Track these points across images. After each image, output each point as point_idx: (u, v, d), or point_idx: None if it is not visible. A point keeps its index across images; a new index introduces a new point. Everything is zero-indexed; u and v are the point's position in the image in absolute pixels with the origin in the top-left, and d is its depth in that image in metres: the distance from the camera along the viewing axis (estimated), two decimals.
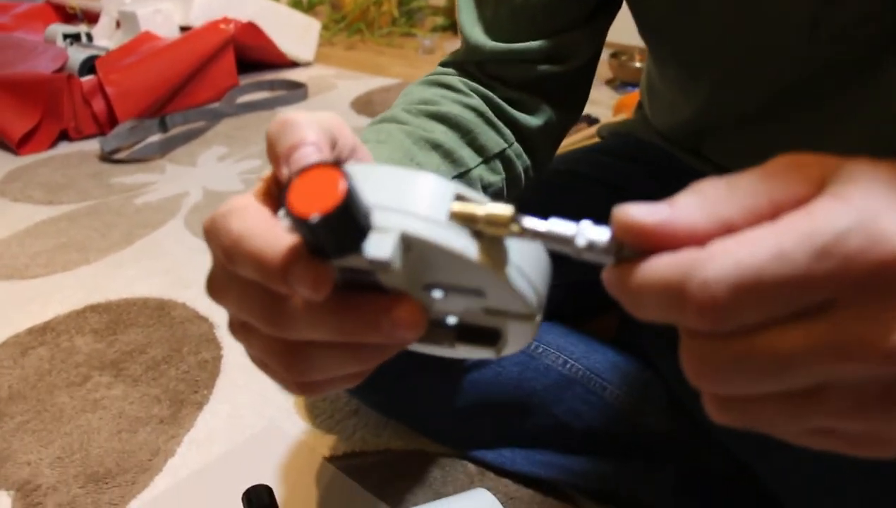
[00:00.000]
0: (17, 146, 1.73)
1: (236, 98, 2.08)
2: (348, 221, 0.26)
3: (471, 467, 0.78)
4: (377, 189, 0.29)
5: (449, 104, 0.60)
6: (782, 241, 0.23)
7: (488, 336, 0.34)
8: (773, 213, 0.25)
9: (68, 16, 2.51)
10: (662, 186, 0.78)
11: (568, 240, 0.27)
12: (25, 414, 0.88)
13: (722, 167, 0.71)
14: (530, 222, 0.28)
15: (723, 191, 0.25)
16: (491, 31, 0.62)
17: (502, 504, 0.66)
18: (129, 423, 0.86)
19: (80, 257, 1.25)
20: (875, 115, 0.56)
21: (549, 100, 0.64)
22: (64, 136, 1.82)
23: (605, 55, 2.11)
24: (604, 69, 2.17)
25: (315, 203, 0.26)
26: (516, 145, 0.63)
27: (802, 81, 0.58)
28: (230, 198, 0.33)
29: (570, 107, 0.68)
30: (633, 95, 1.78)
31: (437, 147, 0.56)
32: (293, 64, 2.46)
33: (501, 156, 0.62)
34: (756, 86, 0.61)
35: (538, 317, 0.32)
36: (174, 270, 1.20)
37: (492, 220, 0.28)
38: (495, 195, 0.62)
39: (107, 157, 1.69)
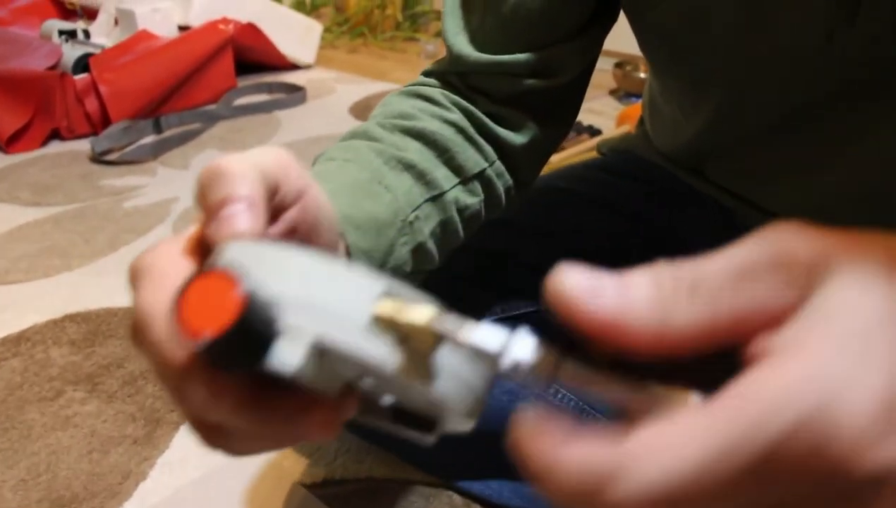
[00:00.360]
0: (7, 144, 1.70)
1: (234, 100, 2.04)
2: (246, 338, 0.23)
3: (456, 498, 0.74)
4: (293, 280, 0.25)
5: (427, 119, 0.56)
6: (716, 444, 0.19)
7: (424, 422, 0.30)
8: (731, 330, 0.21)
9: (67, 12, 2.48)
10: (662, 207, 0.75)
11: (491, 359, 0.23)
12: None
13: (724, 189, 0.68)
14: (452, 330, 0.24)
15: (683, 290, 0.21)
16: (476, 41, 0.58)
17: None
18: (100, 443, 0.82)
19: (62, 263, 1.22)
20: (886, 137, 0.53)
21: (535, 116, 0.60)
22: (56, 135, 1.79)
23: (608, 64, 2.08)
24: (608, 79, 2.13)
25: (208, 319, 0.23)
26: (498, 164, 0.59)
27: (812, 102, 0.55)
28: (157, 244, 0.30)
29: (558, 123, 0.64)
30: (637, 107, 1.74)
31: (409, 167, 0.52)
32: (293, 66, 2.43)
33: (481, 176, 0.58)
34: (764, 105, 0.58)
35: (473, 421, 0.28)
36: None
37: (411, 329, 0.24)
38: (472, 217, 0.58)
39: (98, 158, 1.65)
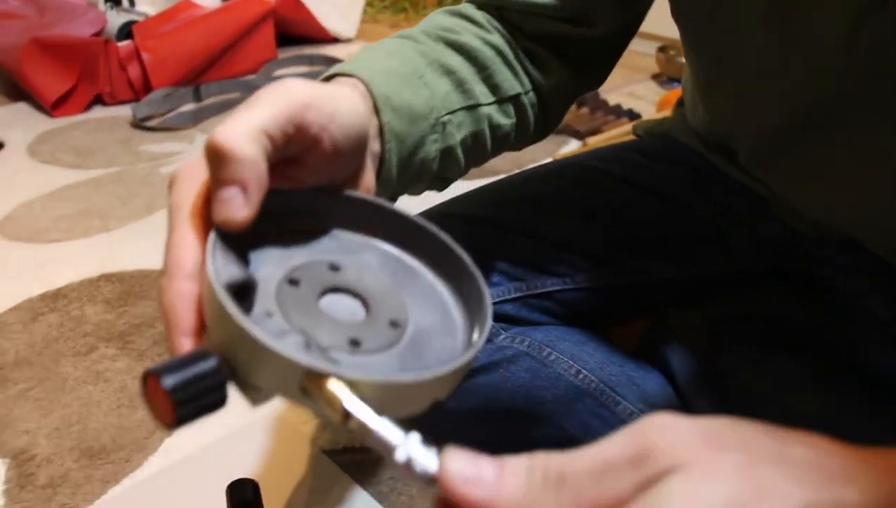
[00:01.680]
0: (52, 108, 1.73)
1: (273, 71, 2.06)
2: (190, 417, 0.29)
3: None
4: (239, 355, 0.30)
5: (470, 36, 0.56)
6: None
7: None
8: None
9: None
10: (697, 192, 0.74)
11: (389, 450, 0.26)
12: (29, 381, 0.87)
13: (756, 176, 0.67)
14: (360, 419, 0.28)
15: (551, 484, 0.25)
16: None
17: None
18: (129, 399, 0.85)
19: (100, 224, 1.25)
20: None
21: (567, 61, 0.61)
22: (99, 100, 1.82)
23: (651, 48, 2.05)
24: (650, 63, 2.11)
25: (161, 411, 0.29)
26: (532, 94, 0.60)
27: (837, 93, 0.54)
28: (186, 160, 0.35)
29: (588, 75, 0.64)
30: (677, 92, 1.72)
31: (449, 73, 0.53)
32: (334, 39, 2.43)
33: (515, 100, 0.59)
34: (787, 94, 0.57)
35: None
36: None
37: (329, 401, 0.28)
38: (502, 138, 0.59)
39: (138, 124, 1.68)
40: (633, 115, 1.66)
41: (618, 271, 0.73)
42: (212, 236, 0.33)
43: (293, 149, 0.36)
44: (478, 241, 0.65)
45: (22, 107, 1.79)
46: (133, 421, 0.81)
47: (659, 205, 0.74)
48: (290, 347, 0.29)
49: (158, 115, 1.73)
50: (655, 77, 2.12)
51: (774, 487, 0.24)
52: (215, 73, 1.93)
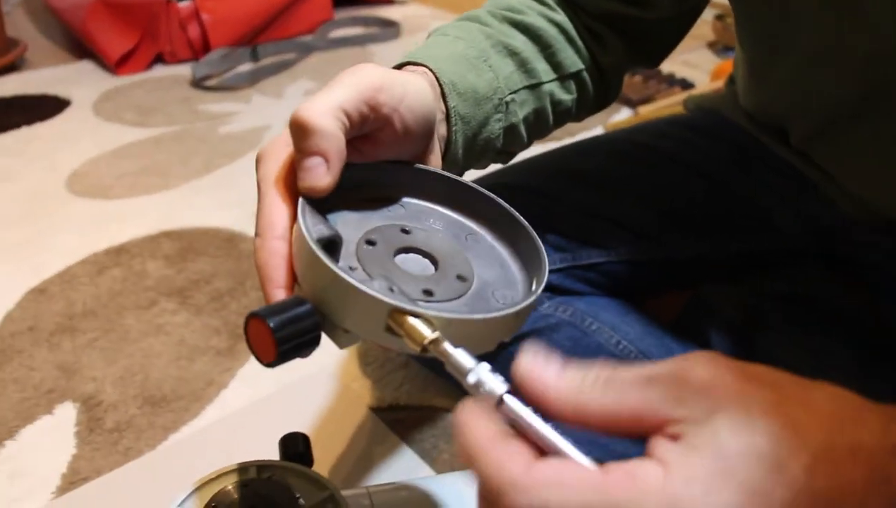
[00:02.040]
0: (116, 66, 1.78)
1: (329, 32, 2.07)
2: (290, 355, 0.34)
3: None
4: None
5: (534, 15, 0.59)
6: (588, 502, 0.25)
7: None
8: (630, 425, 0.27)
9: None
10: (745, 171, 0.74)
11: (462, 373, 0.31)
12: (95, 331, 0.92)
13: (807, 157, 0.67)
14: (441, 347, 0.32)
15: (600, 385, 0.28)
16: None
17: None
18: (188, 351, 0.89)
19: (160, 182, 1.29)
20: None
21: (626, 40, 0.63)
22: (160, 59, 1.86)
23: (709, 15, 2.01)
24: (706, 30, 2.06)
25: (263, 350, 0.34)
26: (593, 70, 0.62)
27: (893, 74, 0.53)
28: (273, 138, 0.41)
29: (647, 54, 0.66)
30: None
31: (513, 54, 0.56)
32: (389, 1, 2.43)
33: (577, 76, 0.61)
34: (843, 77, 0.57)
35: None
36: (247, 203, 1.22)
37: (410, 335, 0.33)
38: (563, 112, 0.62)
39: (197, 83, 1.72)
40: (686, 85, 1.63)
41: (662, 246, 0.74)
42: (301, 200, 0.37)
43: (367, 127, 0.40)
44: (526, 211, 0.67)
45: (86, 65, 1.85)
46: (191, 373, 0.86)
47: (705, 182, 0.75)
48: (378, 290, 0.33)
49: (216, 75, 1.77)
50: (711, 45, 2.08)
51: (802, 426, 0.26)
52: (272, 34, 1.96)
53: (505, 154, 0.59)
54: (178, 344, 0.90)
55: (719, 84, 1.57)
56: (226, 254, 1.07)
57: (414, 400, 0.82)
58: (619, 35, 0.62)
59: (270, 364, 0.34)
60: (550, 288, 0.74)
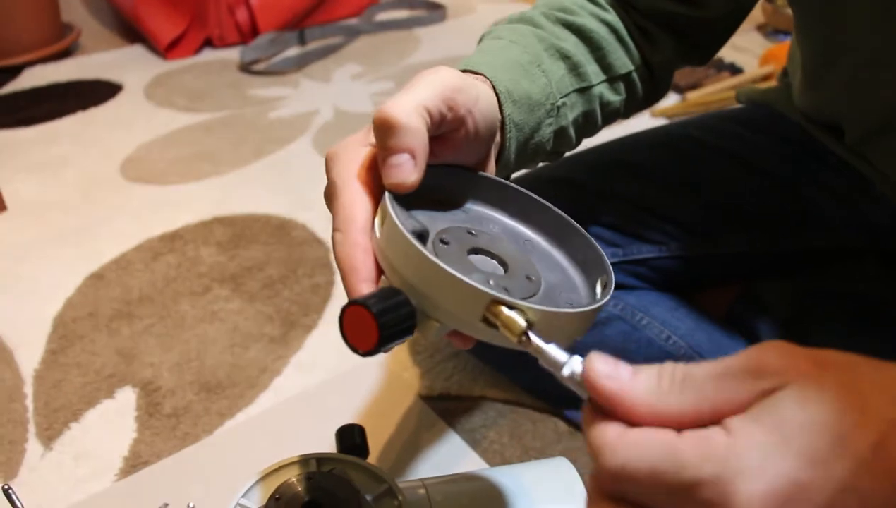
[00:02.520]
0: (166, 50, 1.81)
1: (375, 15, 2.08)
2: (389, 342, 0.35)
3: (561, 426, 0.78)
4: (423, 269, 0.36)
5: (586, 16, 0.60)
6: (661, 461, 0.27)
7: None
8: (712, 418, 0.28)
9: None
10: (797, 169, 0.73)
11: (557, 366, 0.32)
12: (151, 317, 0.95)
13: (862, 155, 0.66)
14: (536, 342, 0.33)
15: (677, 385, 0.29)
16: None
17: (586, 470, 0.65)
18: (241, 338, 0.91)
19: (211, 168, 1.31)
20: None
21: (678, 38, 0.63)
22: (208, 43, 1.89)
23: None
24: (756, 13, 2.01)
25: (361, 339, 0.35)
26: (643, 69, 0.63)
27: None
28: (345, 140, 0.42)
29: (697, 52, 0.66)
30: (783, 46, 1.65)
31: (565, 57, 0.57)
32: None
33: (626, 78, 0.61)
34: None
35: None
36: (298, 190, 1.23)
37: (507, 326, 0.34)
38: (612, 113, 0.62)
39: (246, 68, 1.74)
40: (734, 70, 1.60)
41: (712, 242, 0.74)
42: (387, 196, 0.38)
43: (444, 127, 0.41)
44: (576, 205, 0.68)
45: (137, 50, 1.88)
46: (245, 360, 0.87)
47: (756, 178, 0.74)
48: (478, 282, 0.35)
49: (264, 59, 1.78)
50: (760, 28, 2.03)
51: (872, 405, 0.27)
52: (319, 17, 1.97)
53: (554, 154, 0.60)
54: (232, 331, 0.92)
55: (769, 69, 1.55)
56: (277, 242, 1.09)
57: (464, 390, 0.83)
58: (670, 33, 0.62)
59: (368, 352, 0.35)
60: None
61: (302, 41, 1.85)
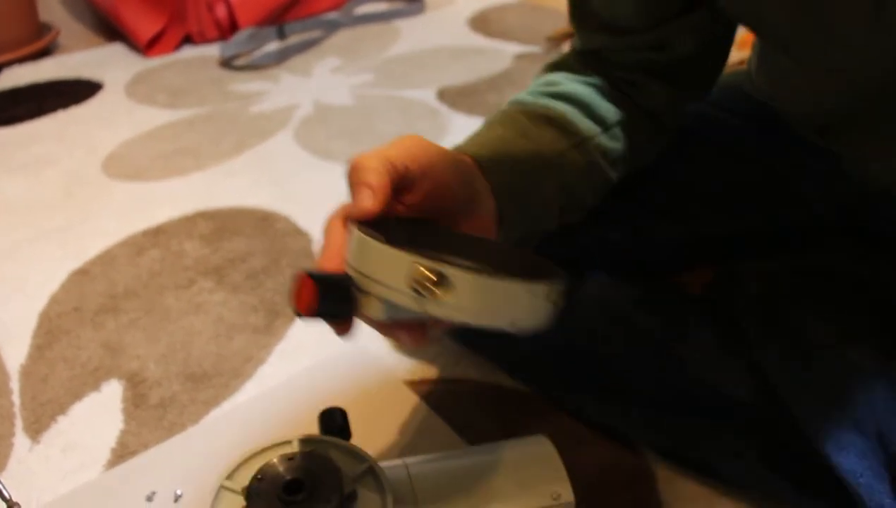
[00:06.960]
0: (146, 48, 1.81)
1: (354, 9, 2.08)
2: (329, 309, 0.43)
3: (542, 407, 0.80)
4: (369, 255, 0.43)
5: (570, 83, 0.64)
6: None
7: None
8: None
9: None
10: (774, 149, 0.75)
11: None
12: (137, 311, 0.96)
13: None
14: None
15: None
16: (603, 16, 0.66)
17: (568, 449, 0.66)
18: (226, 329, 0.92)
19: (193, 163, 1.32)
20: None
21: (665, 81, 0.66)
22: (188, 40, 1.89)
23: None
24: None
25: (303, 302, 0.42)
26: (640, 117, 0.67)
27: (874, 76, 0.54)
28: (366, 152, 0.49)
29: (692, 88, 0.70)
30: None
31: (550, 121, 0.61)
32: None
33: (621, 124, 0.65)
34: (829, 78, 0.59)
35: None
36: (280, 182, 1.24)
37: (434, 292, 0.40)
38: (618, 160, 0.65)
39: (226, 63, 1.74)
40: None
41: (687, 222, 0.75)
42: (351, 223, 0.45)
43: (409, 177, 0.49)
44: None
45: (117, 48, 1.88)
46: (230, 350, 0.89)
47: (728, 158, 0.75)
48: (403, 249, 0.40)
49: (244, 55, 1.79)
50: None
51: None
52: (298, 12, 1.97)
53: (569, 211, 0.64)
54: (217, 321, 0.93)
55: (745, 54, 1.56)
56: (260, 234, 1.10)
57: (447, 374, 0.84)
58: (657, 77, 0.66)
59: (308, 314, 0.42)
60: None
61: (282, 36, 1.86)
